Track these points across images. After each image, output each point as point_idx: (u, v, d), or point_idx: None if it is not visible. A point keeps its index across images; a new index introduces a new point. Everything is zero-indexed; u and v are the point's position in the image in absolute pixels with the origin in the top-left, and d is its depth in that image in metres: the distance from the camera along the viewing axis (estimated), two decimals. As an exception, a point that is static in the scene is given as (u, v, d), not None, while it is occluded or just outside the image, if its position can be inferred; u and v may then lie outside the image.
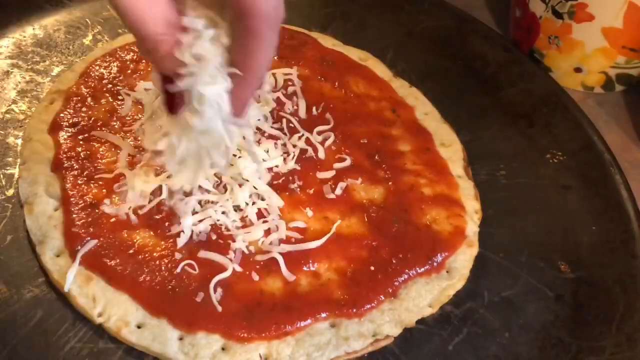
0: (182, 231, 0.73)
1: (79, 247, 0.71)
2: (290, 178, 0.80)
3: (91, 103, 0.86)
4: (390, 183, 0.82)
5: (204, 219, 0.74)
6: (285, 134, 0.84)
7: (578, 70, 1.05)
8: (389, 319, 0.71)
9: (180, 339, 0.67)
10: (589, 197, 0.84)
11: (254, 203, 0.76)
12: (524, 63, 1.00)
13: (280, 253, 0.72)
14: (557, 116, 0.93)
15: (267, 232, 0.74)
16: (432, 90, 0.96)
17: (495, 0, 1.22)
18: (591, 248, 0.80)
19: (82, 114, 0.84)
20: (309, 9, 1.07)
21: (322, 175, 0.81)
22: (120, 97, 0.87)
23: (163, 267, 0.70)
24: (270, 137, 0.84)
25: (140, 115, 0.85)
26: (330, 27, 1.04)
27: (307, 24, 1.03)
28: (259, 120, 0.85)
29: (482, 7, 1.21)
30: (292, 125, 0.85)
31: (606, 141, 0.89)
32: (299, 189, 0.79)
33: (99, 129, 0.83)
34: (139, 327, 0.67)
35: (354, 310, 0.70)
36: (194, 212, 0.74)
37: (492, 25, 1.14)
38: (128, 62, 0.92)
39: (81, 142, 0.81)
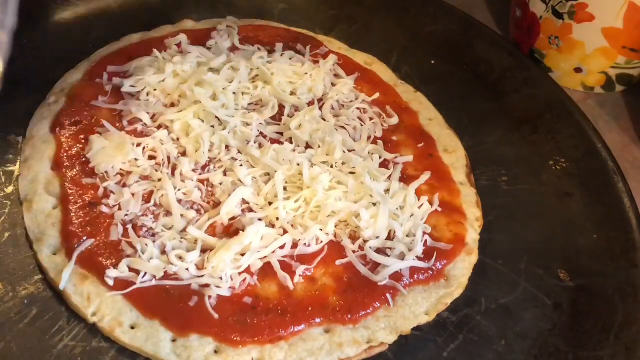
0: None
1: (76, 246, 0.71)
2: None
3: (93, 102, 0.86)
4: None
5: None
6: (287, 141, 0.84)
7: (578, 70, 1.05)
8: (384, 326, 0.70)
9: (173, 340, 0.67)
10: (590, 205, 0.84)
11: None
12: (529, 68, 0.99)
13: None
14: (561, 122, 0.92)
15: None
16: (435, 94, 0.96)
17: (495, 0, 1.22)
18: (591, 256, 0.79)
19: (85, 113, 0.84)
20: (314, 11, 1.07)
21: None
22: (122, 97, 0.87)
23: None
24: (272, 140, 0.83)
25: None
26: (335, 29, 1.04)
27: (311, 26, 1.03)
28: (260, 123, 0.85)
29: (482, 8, 1.21)
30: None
31: (606, 141, 0.89)
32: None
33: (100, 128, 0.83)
34: (132, 327, 0.68)
35: (349, 316, 0.70)
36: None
37: (492, 25, 1.14)
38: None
39: (82, 141, 0.81)
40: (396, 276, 0.73)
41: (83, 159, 0.79)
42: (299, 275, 0.71)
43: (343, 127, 0.87)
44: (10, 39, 0.42)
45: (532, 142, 0.91)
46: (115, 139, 0.79)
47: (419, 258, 0.74)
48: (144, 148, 0.79)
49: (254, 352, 0.66)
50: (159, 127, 0.83)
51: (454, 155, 0.89)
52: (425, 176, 0.83)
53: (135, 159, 0.78)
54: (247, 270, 0.71)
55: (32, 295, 0.70)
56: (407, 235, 0.76)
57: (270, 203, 0.76)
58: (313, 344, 0.68)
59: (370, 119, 0.89)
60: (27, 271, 0.72)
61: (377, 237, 0.75)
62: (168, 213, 0.75)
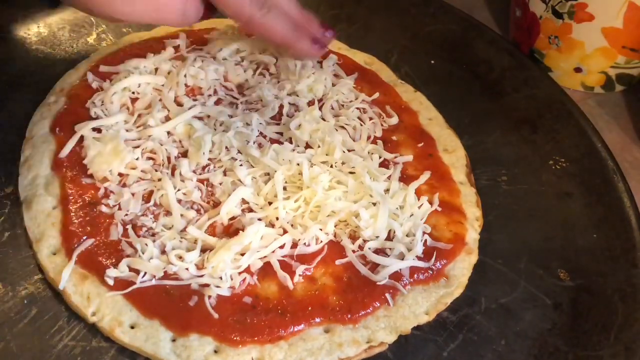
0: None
1: (76, 246, 0.71)
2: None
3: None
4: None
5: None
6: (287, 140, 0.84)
7: (578, 70, 1.05)
8: (384, 326, 0.70)
9: (173, 340, 0.67)
10: (590, 205, 0.84)
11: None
12: (529, 68, 0.99)
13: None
14: (561, 122, 0.92)
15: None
16: (435, 94, 0.96)
17: (495, 0, 1.22)
18: (591, 256, 0.79)
19: (84, 114, 0.84)
20: (314, 11, 1.05)
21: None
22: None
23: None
24: (272, 141, 0.83)
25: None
26: (335, 29, 1.03)
27: (311, 26, 1.03)
28: (260, 124, 0.85)
29: (482, 7, 1.21)
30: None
31: (606, 141, 0.89)
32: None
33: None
34: (132, 327, 0.67)
35: (349, 316, 0.70)
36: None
37: (492, 25, 1.14)
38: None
39: (82, 142, 0.81)
40: (396, 276, 0.73)
41: (83, 160, 0.79)
42: (299, 275, 0.71)
43: (343, 128, 0.86)
44: None
45: (532, 142, 0.91)
46: (110, 142, 0.79)
47: (419, 258, 0.74)
48: (142, 150, 0.79)
49: (254, 352, 0.66)
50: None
51: (454, 155, 0.88)
52: (425, 176, 0.83)
53: (137, 159, 0.78)
54: (247, 270, 0.71)
55: (32, 295, 0.70)
56: (407, 235, 0.76)
57: (270, 203, 0.76)
58: (313, 344, 0.68)
59: (370, 119, 0.89)
60: (27, 271, 0.72)
61: (377, 237, 0.75)
62: (168, 213, 0.75)
